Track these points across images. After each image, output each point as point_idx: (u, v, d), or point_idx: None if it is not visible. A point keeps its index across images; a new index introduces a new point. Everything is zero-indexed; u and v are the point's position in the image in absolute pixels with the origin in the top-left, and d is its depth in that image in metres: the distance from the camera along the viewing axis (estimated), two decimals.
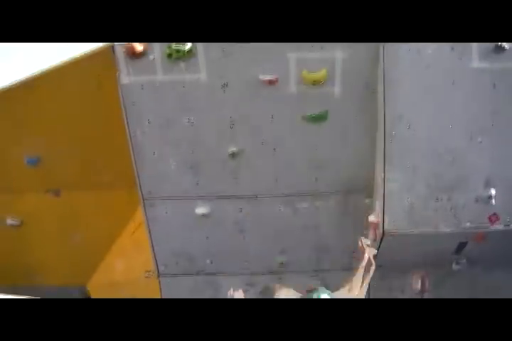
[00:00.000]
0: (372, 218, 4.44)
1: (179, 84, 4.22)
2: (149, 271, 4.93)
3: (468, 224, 4.21)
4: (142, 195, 4.62)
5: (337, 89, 4.24)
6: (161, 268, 4.86)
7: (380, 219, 4.28)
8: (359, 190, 4.55)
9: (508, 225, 4.14)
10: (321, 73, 4.18)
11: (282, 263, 4.80)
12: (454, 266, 4.63)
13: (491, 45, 3.87)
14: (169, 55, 4.09)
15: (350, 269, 4.66)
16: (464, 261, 4.58)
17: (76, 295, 6.37)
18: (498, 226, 4.13)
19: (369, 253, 4.06)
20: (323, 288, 4.10)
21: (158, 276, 4.84)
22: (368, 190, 4.51)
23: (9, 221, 5.07)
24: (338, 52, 4.10)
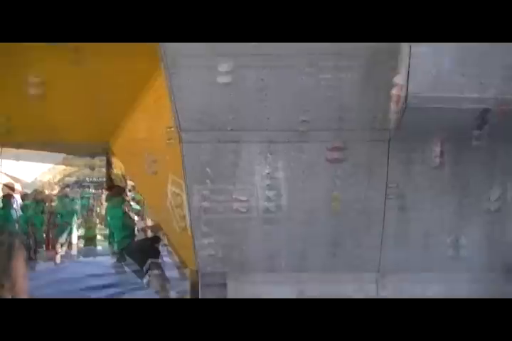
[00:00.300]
0: (397, 79, 4.45)
1: None
2: (170, 127, 4.98)
3: (494, 90, 4.26)
4: (165, 62, 4.57)
5: None
6: (183, 132, 4.91)
7: (405, 82, 4.31)
8: (385, 52, 4.49)
9: None
10: None
11: (304, 126, 4.88)
12: (475, 140, 4.74)
13: None
14: None
15: (373, 129, 4.84)
16: (485, 135, 4.68)
17: (99, 151, 6.61)
18: None
19: None
20: None
21: (180, 142, 4.92)
22: (394, 52, 4.45)
23: (32, 86, 5.09)
24: None
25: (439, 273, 5.19)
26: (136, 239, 6.96)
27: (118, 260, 6.85)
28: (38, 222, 11.13)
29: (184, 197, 5.07)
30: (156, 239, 6.45)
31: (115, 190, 6.87)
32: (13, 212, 10.83)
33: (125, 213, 6.52)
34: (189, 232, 5.19)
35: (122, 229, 6.51)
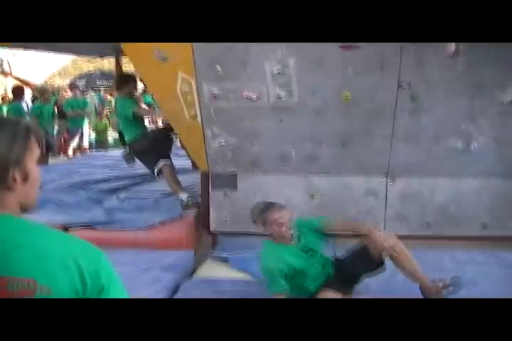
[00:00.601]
0: None
1: None
2: None
3: None
4: None
5: None
6: None
7: None
8: None
9: None
10: None
11: None
12: None
13: None
14: None
15: None
16: None
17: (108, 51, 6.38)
18: None
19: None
20: None
21: None
22: None
23: None
24: None
25: (448, 168, 5.24)
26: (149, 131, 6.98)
27: (126, 160, 6.77)
28: (47, 113, 11.05)
29: (194, 85, 5.01)
30: (168, 129, 6.40)
31: (124, 84, 6.65)
32: (23, 104, 10.81)
33: (135, 112, 6.40)
34: (199, 120, 5.19)
35: (133, 126, 6.45)
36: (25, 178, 1.42)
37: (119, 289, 1.47)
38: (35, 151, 1.47)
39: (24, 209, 1.46)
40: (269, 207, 4.03)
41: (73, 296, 1.37)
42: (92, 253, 1.45)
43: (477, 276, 4.58)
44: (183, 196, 5.99)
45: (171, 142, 6.51)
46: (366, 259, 4.03)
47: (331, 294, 3.82)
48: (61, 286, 1.36)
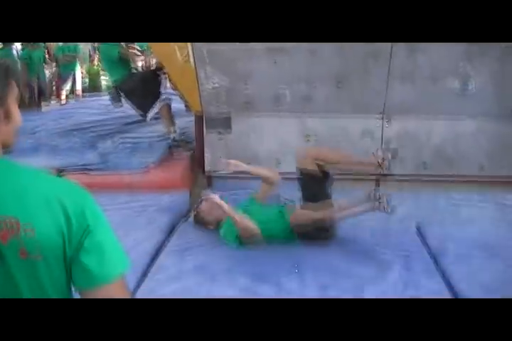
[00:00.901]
0: None
1: None
2: None
3: None
4: None
5: None
6: None
7: None
8: None
9: None
10: None
11: None
12: None
13: None
14: None
15: None
16: None
17: None
18: None
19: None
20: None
21: None
22: None
23: None
24: None
25: (445, 109, 5.18)
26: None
27: (113, 101, 6.62)
28: (37, 58, 10.84)
29: None
30: (156, 69, 6.29)
31: None
32: (13, 50, 10.61)
33: (122, 53, 6.23)
34: (191, 61, 5.09)
35: (119, 67, 6.30)
36: (7, 118, 1.39)
37: (106, 230, 1.42)
38: (16, 91, 1.42)
39: (5, 149, 1.43)
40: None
41: (59, 238, 1.33)
42: (76, 192, 1.41)
43: (474, 216, 4.61)
44: (175, 135, 5.98)
45: (159, 82, 6.39)
46: (311, 179, 4.25)
47: (303, 210, 4.16)
48: (45, 227, 1.32)
